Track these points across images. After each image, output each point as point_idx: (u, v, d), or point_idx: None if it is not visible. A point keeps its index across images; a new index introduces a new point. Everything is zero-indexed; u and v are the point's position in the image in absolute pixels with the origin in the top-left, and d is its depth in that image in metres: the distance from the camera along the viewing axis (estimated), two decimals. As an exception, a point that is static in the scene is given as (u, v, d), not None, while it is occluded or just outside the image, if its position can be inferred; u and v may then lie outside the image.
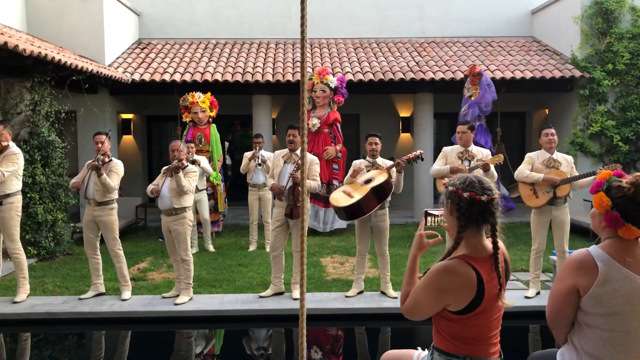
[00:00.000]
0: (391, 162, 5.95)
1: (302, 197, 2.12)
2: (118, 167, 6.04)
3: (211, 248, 8.70)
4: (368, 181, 5.77)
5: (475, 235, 2.25)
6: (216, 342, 5.84)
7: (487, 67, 11.25)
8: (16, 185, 5.98)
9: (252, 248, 8.80)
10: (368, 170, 5.95)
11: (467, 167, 5.81)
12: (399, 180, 5.89)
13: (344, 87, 9.79)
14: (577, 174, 5.91)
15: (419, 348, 2.67)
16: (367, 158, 6.10)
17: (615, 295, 2.16)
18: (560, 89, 11.33)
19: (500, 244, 2.26)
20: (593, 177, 5.70)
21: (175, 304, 5.87)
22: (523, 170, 5.92)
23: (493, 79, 10.81)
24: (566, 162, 5.94)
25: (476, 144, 9.29)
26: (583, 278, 2.20)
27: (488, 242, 2.27)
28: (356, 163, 6.10)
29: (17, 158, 5.91)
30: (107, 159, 5.94)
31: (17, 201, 5.99)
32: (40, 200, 7.91)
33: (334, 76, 9.88)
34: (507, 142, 12.37)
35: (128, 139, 12.95)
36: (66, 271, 7.35)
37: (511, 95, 11.82)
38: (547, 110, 12.88)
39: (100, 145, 5.95)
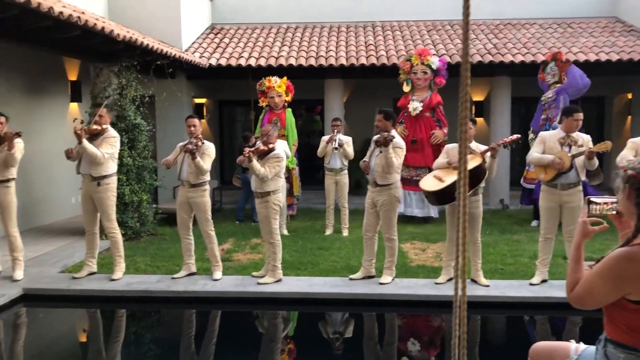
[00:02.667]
0: (485, 147, 5.80)
1: (462, 188, 2.03)
2: (210, 149, 6.12)
3: (285, 232, 8.76)
4: (462, 166, 5.63)
5: None
6: (303, 324, 5.90)
7: (568, 49, 10.81)
8: (112, 167, 6.18)
9: (328, 232, 8.82)
10: (461, 155, 5.79)
11: (569, 154, 5.59)
12: (492, 166, 5.74)
13: (445, 68, 9.49)
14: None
15: (573, 340, 2.57)
16: (460, 142, 5.95)
17: None
18: (647, 72, 10.78)
19: None
20: None
21: (258, 284, 5.96)
22: (626, 156, 5.64)
23: (576, 61, 10.38)
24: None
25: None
26: None
27: None
28: (449, 147, 5.98)
29: (115, 141, 6.11)
30: (200, 142, 6.03)
31: (113, 182, 6.20)
32: (127, 181, 8.16)
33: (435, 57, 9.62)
34: (584, 127, 11.88)
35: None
36: (154, 251, 7.57)
37: (591, 79, 11.32)
38: (629, 95, 12.30)
39: (193, 128, 6.05)
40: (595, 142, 5.83)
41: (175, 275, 6.24)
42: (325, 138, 8.85)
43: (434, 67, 9.36)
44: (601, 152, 5.55)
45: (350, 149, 8.57)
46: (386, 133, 5.73)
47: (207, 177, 6.19)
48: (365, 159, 6.07)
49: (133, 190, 8.21)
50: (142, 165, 8.40)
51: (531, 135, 8.91)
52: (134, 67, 8.29)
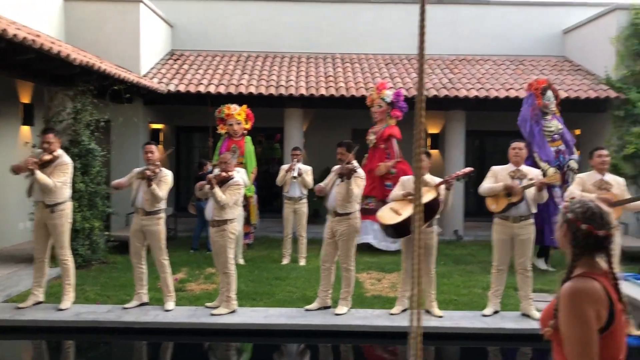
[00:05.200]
0: (439, 179, 5.92)
1: (416, 222, 2.05)
2: (168, 177, 6.06)
3: (242, 261, 8.66)
4: (417, 198, 5.72)
5: (589, 257, 2.22)
6: (258, 356, 5.81)
7: (520, 85, 11.21)
8: (66, 193, 6.04)
9: (285, 261, 8.77)
10: (417, 187, 5.90)
11: (520, 186, 5.76)
12: (447, 198, 5.85)
13: (400, 100, 9.61)
14: (629, 196, 5.85)
15: None
16: (416, 175, 6.06)
17: None
18: (594, 110, 11.26)
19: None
20: (647, 200, 5.63)
21: (212, 315, 5.86)
22: (574, 191, 5.86)
23: (527, 98, 10.77)
24: (617, 184, 5.88)
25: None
26: None
27: (601, 260, 2.23)
28: (404, 179, 6.07)
29: (67, 168, 5.98)
30: (157, 169, 5.96)
31: (68, 208, 6.05)
32: (79, 208, 7.93)
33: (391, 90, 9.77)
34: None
35: (160, 149, 13.02)
36: (104, 279, 7.36)
37: (542, 114, 11.76)
38: (578, 131, 12.78)
39: (150, 155, 5.98)
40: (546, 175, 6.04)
41: (126, 305, 6.07)
42: (284, 167, 8.88)
43: (388, 100, 9.56)
44: (550, 184, 5.73)
45: (309, 179, 8.62)
46: (349, 165, 5.80)
47: (163, 205, 6.10)
48: (322, 184, 6.11)
49: (85, 217, 7.99)
50: (95, 191, 8.20)
51: (545, 165, 8.35)
52: (90, 91, 8.16)
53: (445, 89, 10.93)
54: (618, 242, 5.76)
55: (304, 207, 8.75)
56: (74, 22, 10.80)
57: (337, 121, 12.37)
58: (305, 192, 8.70)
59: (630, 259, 8.82)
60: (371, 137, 9.53)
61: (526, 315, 5.92)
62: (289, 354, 5.84)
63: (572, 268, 2.21)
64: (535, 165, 8.22)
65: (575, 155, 8.80)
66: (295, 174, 8.55)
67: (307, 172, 8.66)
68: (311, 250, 9.01)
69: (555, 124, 8.69)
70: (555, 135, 8.61)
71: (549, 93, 8.75)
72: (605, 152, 6.01)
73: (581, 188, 5.87)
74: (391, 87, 10.53)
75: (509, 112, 11.61)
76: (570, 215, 2.24)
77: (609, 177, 5.93)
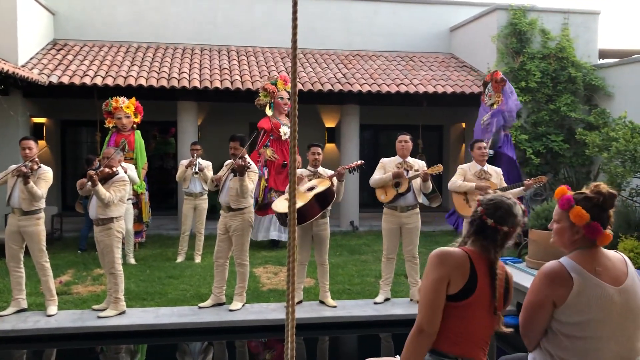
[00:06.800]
0: (332, 172, 6.02)
1: (290, 215, 2.05)
2: (47, 174, 5.67)
3: (132, 261, 8.34)
4: (311, 189, 5.79)
5: (480, 240, 2.38)
6: (151, 357, 5.63)
7: (410, 81, 11.64)
8: None
9: (180, 259, 8.54)
10: (310, 179, 5.97)
11: (407, 177, 5.98)
12: (339, 189, 5.97)
13: None
14: (505, 185, 6.25)
15: (398, 356, 2.70)
16: (309, 167, 6.12)
17: (589, 304, 2.26)
18: (478, 104, 11.88)
19: (501, 264, 2.39)
20: (522, 187, 6.05)
21: (99, 317, 5.60)
22: (455, 181, 6.19)
23: (416, 93, 11.21)
24: (496, 173, 6.27)
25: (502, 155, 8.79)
26: (558, 290, 2.28)
27: (492, 250, 2.37)
28: (297, 172, 6.11)
29: None
30: (35, 166, 5.56)
31: None
32: (-53, 209, 7.27)
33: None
34: (426, 153, 12.84)
35: (40, 144, 12.17)
36: (-22, 286, 6.79)
37: (431, 109, 12.29)
38: (463, 124, 13.50)
39: (27, 151, 5.57)
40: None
41: (1, 313, 5.63)
42: (184, 162, 8.66)
43: None
44: (435, 174, 6.00)
45: (210, 174, 8.42)
46: (243, 161, 5.72)
47: (42, 204, 5.70)
48: (220, 173, 6.04)
49: (-46, 219, 7.33)
50: (-34, 190, 7.53)
51: None
52: (-43, 82, 7.48)
53: (340, 84, 11.11)
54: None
55: (204, 203, 8.63)
56: (-61, 6, 9.85)
57: (234, 115, 12.21)
58: (206, 187, 8.53)
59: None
60: (286, 130, 9.25)
61: (415, 301, 6.17)
62: (183, 354, 5.69)
63: (464, 243, 2.40)
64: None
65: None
66: (197, 170, 8.38)
67: (208, 167, 8.54)
68: (207, 247, 8.84)
69: (485, 118, 9.17)
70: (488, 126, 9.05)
71: (489, 86, 9.14)
72: (484, 144, 6.38)
73: (463, 178, 6.19)
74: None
75: (401, 107, 12.11)
76: (480, 199, 2.40)
77: (489, 168, 6.30)
